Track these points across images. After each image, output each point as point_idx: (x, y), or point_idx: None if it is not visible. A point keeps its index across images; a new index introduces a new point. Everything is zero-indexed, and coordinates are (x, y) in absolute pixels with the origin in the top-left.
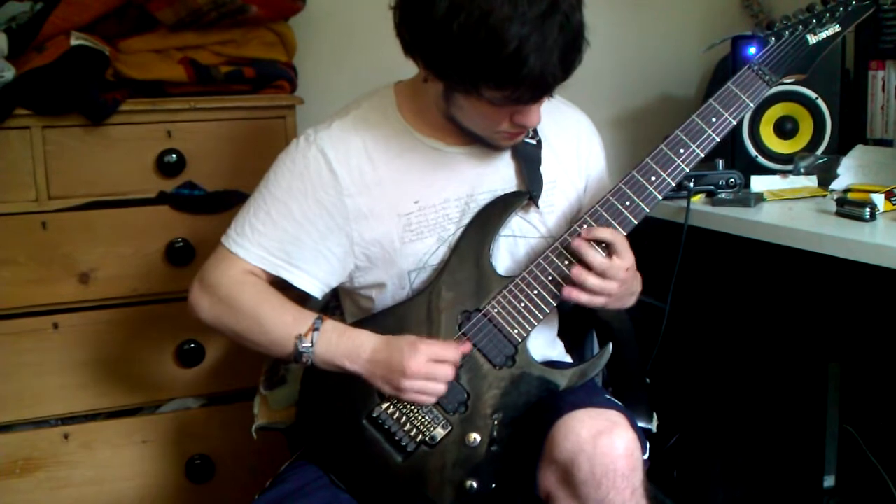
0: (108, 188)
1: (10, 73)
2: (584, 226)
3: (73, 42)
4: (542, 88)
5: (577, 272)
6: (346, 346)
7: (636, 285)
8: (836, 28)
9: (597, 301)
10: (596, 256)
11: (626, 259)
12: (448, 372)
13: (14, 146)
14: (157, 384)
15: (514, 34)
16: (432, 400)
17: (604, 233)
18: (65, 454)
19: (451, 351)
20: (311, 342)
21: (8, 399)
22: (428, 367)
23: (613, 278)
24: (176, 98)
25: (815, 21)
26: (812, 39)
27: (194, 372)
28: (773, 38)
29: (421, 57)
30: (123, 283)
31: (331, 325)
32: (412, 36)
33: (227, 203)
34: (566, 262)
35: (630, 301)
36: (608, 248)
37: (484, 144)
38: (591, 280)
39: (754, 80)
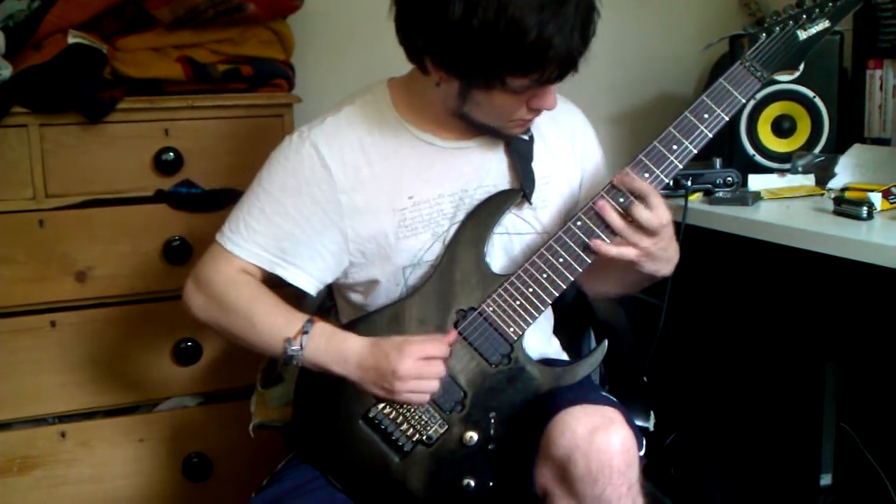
0: (106, 186)
1: (7, 72)
2: (578, 223)
3: (71, 40)
4: (568, 65)
5: (602, 205)
6: (333, 352)
7: (672, 252)
8: (826, 23)
9: (627, 253)
10: (619, 223)
11: (661, 214)
12: (439, 369)
13: (11, 144)
14: (154, 382)
15: (534, 21)
16: (426, 398)
17: (640, 185)
18: (62, 452)
19: (439, 347)
20: (300, 346)
21: (5, 397)
22: (418, 367)
23: (649, 230)
24: (173, 96)
25: (805, 16)
26: (802, 35)
27: (191, 370)
28: (764, 34)
29: (436, 60)
30: (121, 281)
31: (319, 329)
32: (427, 41)
33: (224, 201)
34: (561, 260)
35: (664, 268)
36: (643, 203)
37: (493, 135)
38: (620, 224)
39: (746, 76)
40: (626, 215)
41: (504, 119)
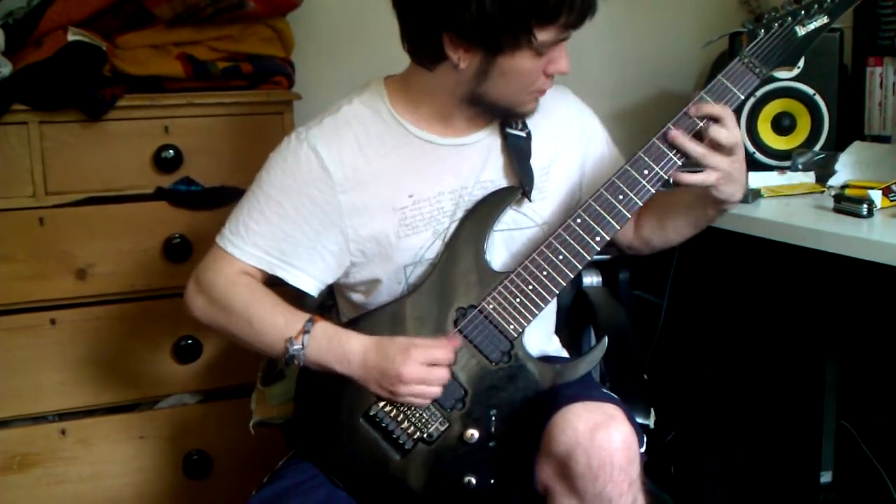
0: (106, 184)
1: (7, 69)
2: (578, 220)
3: (70, 37)
4: (589, 6)
5: (674, 134)
6: (336, 351)
7: (745, 172)
8: (825, 19)
9: (708, 178)
10: (696, 148)
11: (735, 133)
12: (443, 375)
13: (11, 142)
14: (154, 380)
15: None
16: (427, 402)
17: (715, 109)
18: (62, 450)
19: (444, 352)
20: (302, 345)
21: (5, 395)
22: (422, 371)
23: (726, 150)
24: (173, 94)
25: (803, 13)
26: (801, 31)
27: (192, 368)
28: (762, 31)
29: (459, 34)
30: (121, 278)
31: (321, 329)
32: (449, 15)
33: (224, 199)
34: (560, 257)
35: (738, 192)
36: (719, 124)
37: (504, 117)
38: (695, 148)
39: (745, 72)
40: (700, 139)
41: (524, 90)
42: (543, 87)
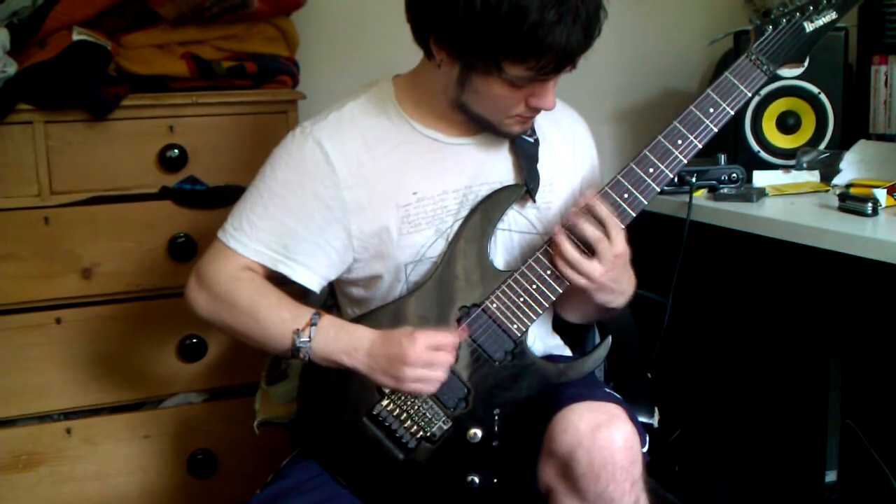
0: (111, 183)
1: (12, 69)
2: None
3: (75, 37)
4: (565, 58)
5: (559, 238)
6: (343, 342)
7: (625, 284)
8: (833, 15)
9: (578, 280)
10: (588, 226)
11: (616, 245)
12: (447, 358)
13: (16, 141)
14: (159, 379)
15: (536, 7)
16: (433, 388)
17: (602, 210)
18: (67, 449)
19: (449, 337)
20: (309, 337)
21: (11, 394)
22: (427, 354)
23: (601, 258)
24: (178, 93)
25: (811, 8)
26: (809, 27)
27: (196, 367)
28: (770, 26)
29: (438, 39)
30: (126, 278)
31: (328, 321)
32: (431, 17)
33: (229, 198)
34: None
35: (616, 300)
36: (601, 230)
37: (492, 132)
38: (571, 252)
39: (752, 69)
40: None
41: (501, 114)
42: (525, 115)
